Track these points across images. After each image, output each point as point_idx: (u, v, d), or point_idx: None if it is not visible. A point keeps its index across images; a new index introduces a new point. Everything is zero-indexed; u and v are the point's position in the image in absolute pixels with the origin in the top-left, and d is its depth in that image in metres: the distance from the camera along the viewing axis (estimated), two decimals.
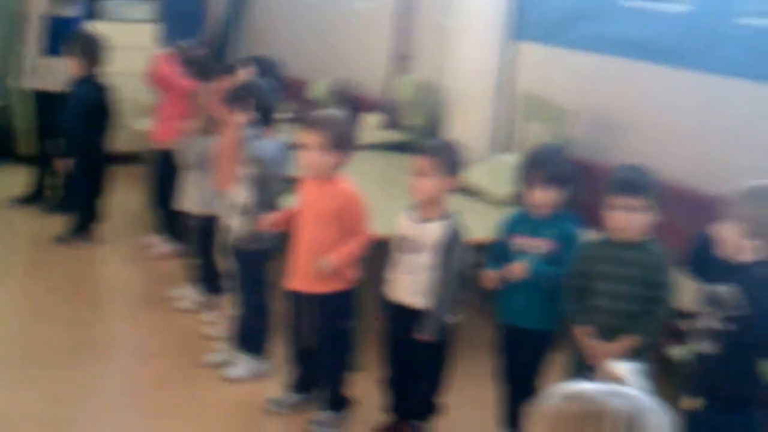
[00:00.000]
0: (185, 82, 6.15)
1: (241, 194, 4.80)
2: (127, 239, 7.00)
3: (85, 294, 6.11)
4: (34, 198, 7.50)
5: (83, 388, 4.76)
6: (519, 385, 4.09)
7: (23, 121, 8.29)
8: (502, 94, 6.61)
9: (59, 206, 7.21)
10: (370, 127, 7.38)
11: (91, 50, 6.58)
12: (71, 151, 6.65)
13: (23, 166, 8.19)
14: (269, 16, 9.22)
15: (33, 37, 7.18)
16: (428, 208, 4.10)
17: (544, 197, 3.99)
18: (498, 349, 4.18)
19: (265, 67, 5.98)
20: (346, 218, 4.22)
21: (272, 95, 4.94)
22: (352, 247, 4.20)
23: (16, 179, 8.04)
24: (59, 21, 7.09)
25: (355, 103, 7.56)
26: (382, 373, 4.31)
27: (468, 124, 6.49)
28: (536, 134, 6.13)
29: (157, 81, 6.56)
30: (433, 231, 4.06)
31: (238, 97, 4.79)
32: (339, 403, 4.42)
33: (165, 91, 6.53)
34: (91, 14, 8.18)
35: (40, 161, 7.49)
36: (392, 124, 7.51)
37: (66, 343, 5.25)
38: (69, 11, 7.24)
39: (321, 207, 4.22)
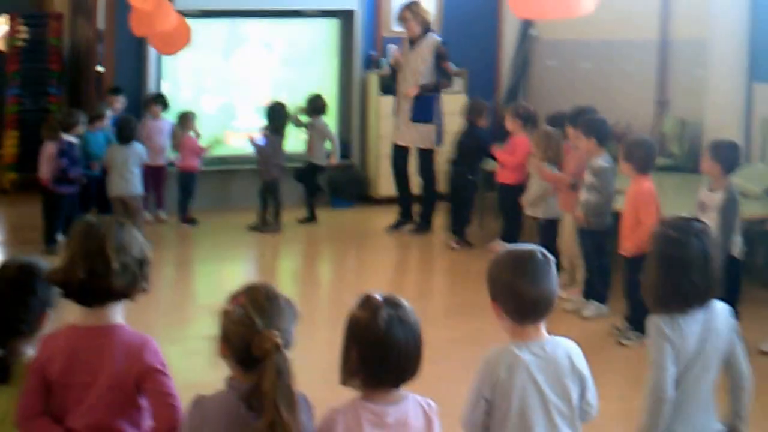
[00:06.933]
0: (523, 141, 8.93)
1: (584, 195, 7.48)
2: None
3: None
4: (400, 225, 10.38)
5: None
6: None
7: (378, 170, 11.41)
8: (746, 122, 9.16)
9: (421, 229, 10.14)
10: None
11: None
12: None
13: (376, 206, 11.36)
14: (549, 75, 11.93)
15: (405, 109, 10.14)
16: (714, 183, 6.68)
17: None
18: None
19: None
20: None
21: (607, 127, 7.65)
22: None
23: (373, 216, 11.10)
24: (422, 97, 9.99)
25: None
26: None
27: None
28: None
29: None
30: (718, 197, 6.62)
31: (589, 129, 7.49)
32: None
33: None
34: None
35: (401, 198, 10.44)
36: (659, 153, 10.03)
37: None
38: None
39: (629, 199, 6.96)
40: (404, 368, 3.08)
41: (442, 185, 10.27)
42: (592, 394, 3.44)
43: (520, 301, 3.33)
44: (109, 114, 10.12)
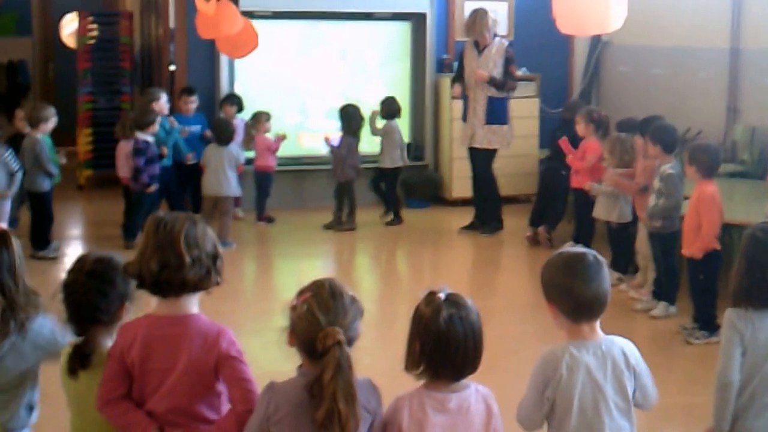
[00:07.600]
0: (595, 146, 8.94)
1: (653, 200, 7.50)
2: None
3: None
4: (473, 226, 10.45)
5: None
6: None
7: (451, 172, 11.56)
8: None
9: (493, 230, 10.31)
10: None
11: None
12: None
13: (449, 207, 11.53)
14: (621, 80, 11.95)
15: (479, 113, 10.21)
16: None
17: None
18: None
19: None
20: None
21: (673, 134, 7.64)
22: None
23: (447, 217, 11.23)
24: (495, 100, 10.07)
25: None
26: None
27: None
28: None
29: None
30: None
31: (655, 136, 7.51)
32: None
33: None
34: None
35: (476, 200, 10.52)
36: (730, 160, 10.01)
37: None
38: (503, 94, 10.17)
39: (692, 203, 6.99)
40: (462, 363, 3.20)
41: (529, 186, 10.58)
42: (649, 386, 3.53)
43: (576, 301, 3.44)
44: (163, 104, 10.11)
